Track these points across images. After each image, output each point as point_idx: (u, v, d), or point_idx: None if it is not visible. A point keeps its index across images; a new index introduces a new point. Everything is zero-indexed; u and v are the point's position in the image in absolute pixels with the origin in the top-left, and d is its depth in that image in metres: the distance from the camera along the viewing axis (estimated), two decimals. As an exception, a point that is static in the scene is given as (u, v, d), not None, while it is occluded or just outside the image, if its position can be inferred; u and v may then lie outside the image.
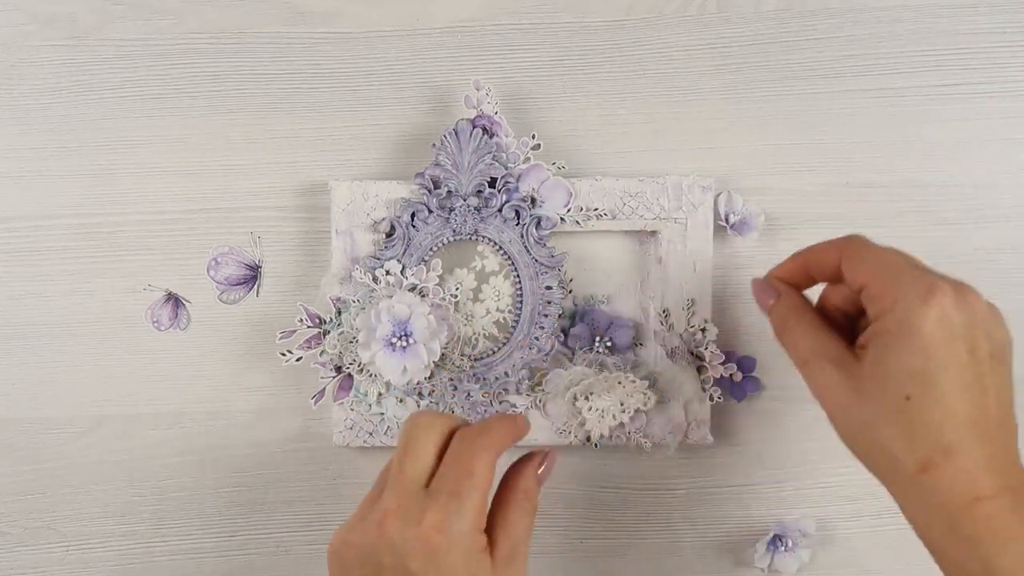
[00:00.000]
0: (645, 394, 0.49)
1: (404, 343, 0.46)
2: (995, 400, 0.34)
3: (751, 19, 0.52)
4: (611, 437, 0.50)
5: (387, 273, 0.48)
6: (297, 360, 0.49)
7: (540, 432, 0.50)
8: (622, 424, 0.49)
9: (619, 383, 0.48)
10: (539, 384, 0.50)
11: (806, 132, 0.52)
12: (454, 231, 0.49)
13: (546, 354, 0.49)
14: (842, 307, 0.40)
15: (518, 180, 0.49)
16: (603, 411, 0.49)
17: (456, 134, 0.48)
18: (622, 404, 0.49)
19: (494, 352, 0.50)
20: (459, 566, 0.36)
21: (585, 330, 0.50)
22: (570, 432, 0.50)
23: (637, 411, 0.49)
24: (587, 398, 0.48)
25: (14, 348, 0.52)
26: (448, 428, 0.39)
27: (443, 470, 0.38)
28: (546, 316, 0.49)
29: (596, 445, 0.50)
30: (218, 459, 0.52)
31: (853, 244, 0.38)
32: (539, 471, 0.41)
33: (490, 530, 0.39)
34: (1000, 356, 0.35)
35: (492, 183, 0.48)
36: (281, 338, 0.49)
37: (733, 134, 0.52)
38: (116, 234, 0.52)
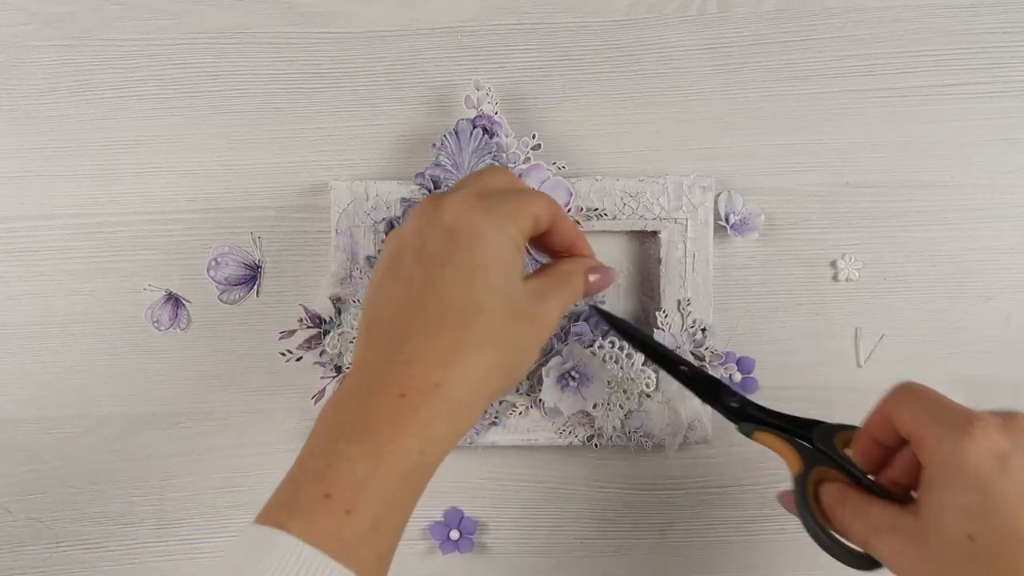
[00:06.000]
0: (644, 372, 0.49)
1: (404, 343, 0.46)
2: None
3: (751, 19, 0.52)
4: (611, 437, 0.50)
5: (387, 273, 0.48)
6: (297, 360, 0.49)
7: (540, 432, 0.50)
8: (630, 412, 0.49)
9: (616, 363, 0.48)
10: (539, 383, 0.50)
11: (806, 132, 0.52)
12: (454, 231, 0.49)
13: (546, 354, 0.49)
14: (884, 448, 0.38)
15: (518, 180, 0.49)
16: (609, 405, 0.49)
17: (456, 134, 0.48)
18: (625, 392, 0.49)
19: (494, 352, 0.50)
20: (491, 240, 0.34)
21: (585, 330, 0.50)
22: (570, 431, 0.50)
23: (641, 394, 0.49)
24: (576, 376, 0.48)
25: (14, 348, 0.52)
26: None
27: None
28: (546, 316, 0.49)
29: (596, 445, 0.50)
30: (218, 459, 0.52)
31: (898, 393, 0.37)
32: (591, 277, 0.39)
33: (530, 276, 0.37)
34: None
35: (492, 183, 0.48)
36: (281, 338, 0.48)
37: (733, 134, 0.52)
38: (116, 234, 0.52)
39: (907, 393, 0.36)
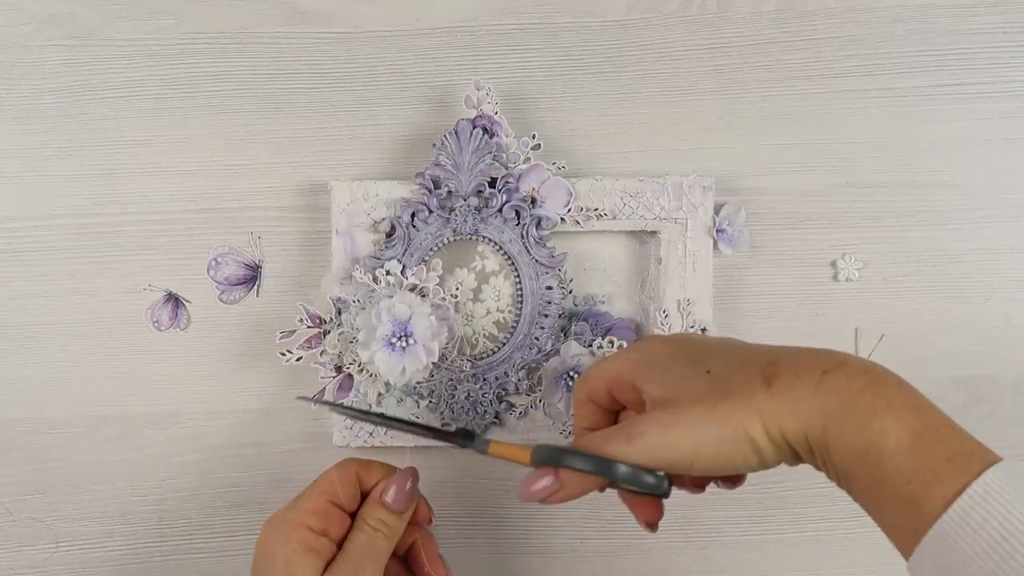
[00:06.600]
0: None
1: (404, 343, 0.46)
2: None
3: (751, 19, 0.52)
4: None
5: (387, 273, 0.48)
6: (297, 360, 0.49)
7: (542, 433, 0.50)
8: None
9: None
10: (539, 383, 0.50)
11: (806, 132, 0.52)
12: (454, 231, 0.49)
13: (546, 354, 0.49)
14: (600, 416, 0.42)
15: (518, 180, 0.49)
16: None
17: (456, 134, 0.48)
18: None
19: (494, 352, 0.50)
20: (271, 553, 0.40)
21: (585, 330, 0.50)
22: (571, 432, 0.50)
23: None
24: (576, 376, 0.48)
25: (14, 348, 0.52)
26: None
27: None
28: (546, 316, 0.49)
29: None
30: (218, 459, 0.52)
31: (579, 379, 0.41)
32: (381, 496, 0.42)
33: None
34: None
35: (492, 183, 0.48)
36: (281, 338, 0.48)
37: (733, 134, 0.52)
38: (116, 234, 0.52)
39: (584, 374, 0.41)
